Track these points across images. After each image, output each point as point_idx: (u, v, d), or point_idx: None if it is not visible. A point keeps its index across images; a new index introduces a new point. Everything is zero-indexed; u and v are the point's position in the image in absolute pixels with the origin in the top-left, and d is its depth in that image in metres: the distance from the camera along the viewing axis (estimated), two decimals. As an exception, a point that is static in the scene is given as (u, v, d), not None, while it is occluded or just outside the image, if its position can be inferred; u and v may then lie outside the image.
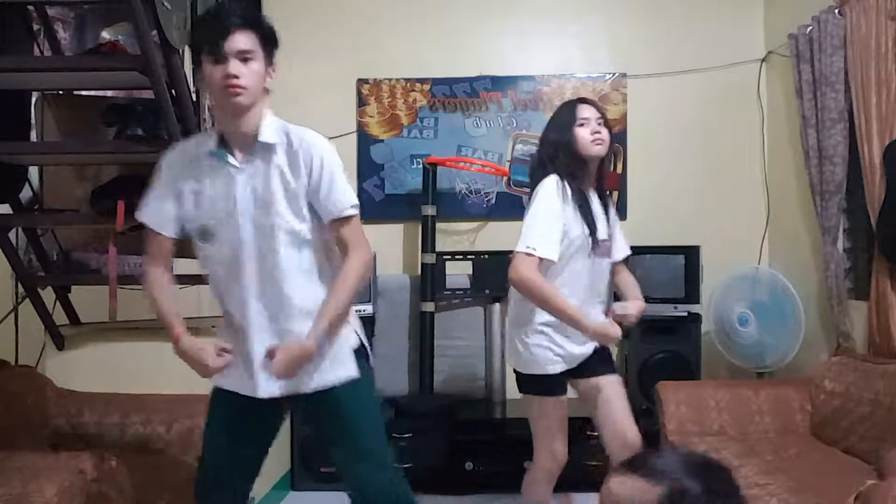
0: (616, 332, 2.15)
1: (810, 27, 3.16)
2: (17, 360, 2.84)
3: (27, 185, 2.80)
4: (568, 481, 3.33)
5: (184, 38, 2.29)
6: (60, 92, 2.79)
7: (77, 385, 2.78)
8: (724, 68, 3.88)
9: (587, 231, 2.18)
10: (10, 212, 2.74)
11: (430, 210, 3.67)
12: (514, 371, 2.35)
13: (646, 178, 3.93)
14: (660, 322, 3.53)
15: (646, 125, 3.94)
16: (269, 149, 1.78)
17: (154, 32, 2.15)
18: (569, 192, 2.18)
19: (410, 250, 3.96)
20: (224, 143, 1.79)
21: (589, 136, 2.21)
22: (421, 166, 3.78)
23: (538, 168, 2.28)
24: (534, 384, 2.28)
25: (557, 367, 2.25)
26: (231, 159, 1.78)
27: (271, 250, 1.78)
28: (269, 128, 1.78)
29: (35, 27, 2.71)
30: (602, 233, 2.24)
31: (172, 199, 1.82)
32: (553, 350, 2.24)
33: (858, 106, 2.81)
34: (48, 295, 2.86)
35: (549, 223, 2.13)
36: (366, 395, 1.95)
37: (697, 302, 3.53)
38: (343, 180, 1.82)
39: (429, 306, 3.61)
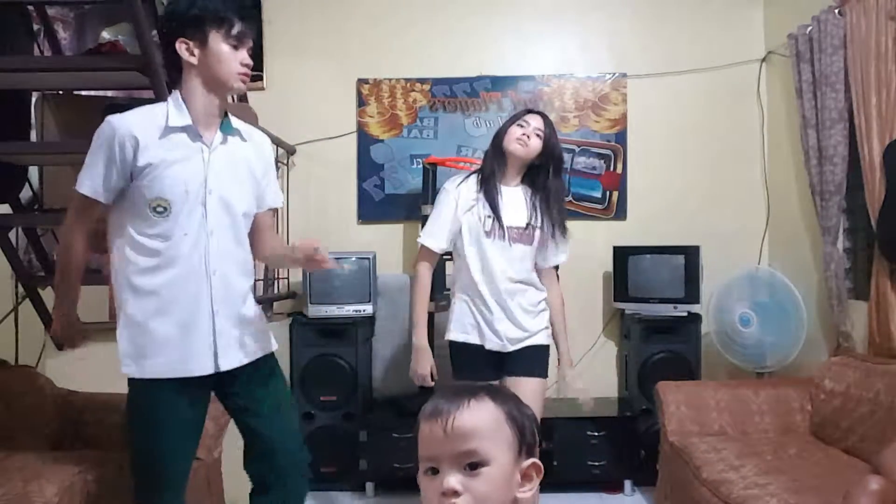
0: (424, 368, 2.42)
1: (810, 27, 3.16)
2: (17, 360, 2.84)
3: (27, 185, 2.80)
4: (568, 481, 3.35)
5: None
6: (60, 92, 2.79)
7: (77, 385, 2.77)
8: (724, 68, 3.88)
9: (489, 216, 2.38)
10: (10, 212, 2.74)
11: (430, 210, 3.65)
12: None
13: (645, 178, 3.93)
14: (660, 322, 3.53)
15: (646, 125, 3.94)
16: (234, 133, 1.88)
17: (154, 32, 2.15)
18: (473, 183, 2.43)
19: (410, 250, 3.96)
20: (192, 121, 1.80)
21: (517, 134, 2.38)
22: (421, 166, 3.78)
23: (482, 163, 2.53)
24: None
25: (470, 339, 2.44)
26: (205, 138, 1.82)
27: (232, 226, 1.86)
28: (234, 119, 1.91)
29: (35, 27, 2.72)
30: (508, 220, 2.39)
31: (121, 173, 1.76)
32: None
33: (858, 106, 2.81)
34: (48, 295, 2.86)
35: (436, 218, 2.44)
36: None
37: (697, 302, 3.53)
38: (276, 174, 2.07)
39: (429, 306, 3.60)
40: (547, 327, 2.49)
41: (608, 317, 3.92)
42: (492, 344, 2.41)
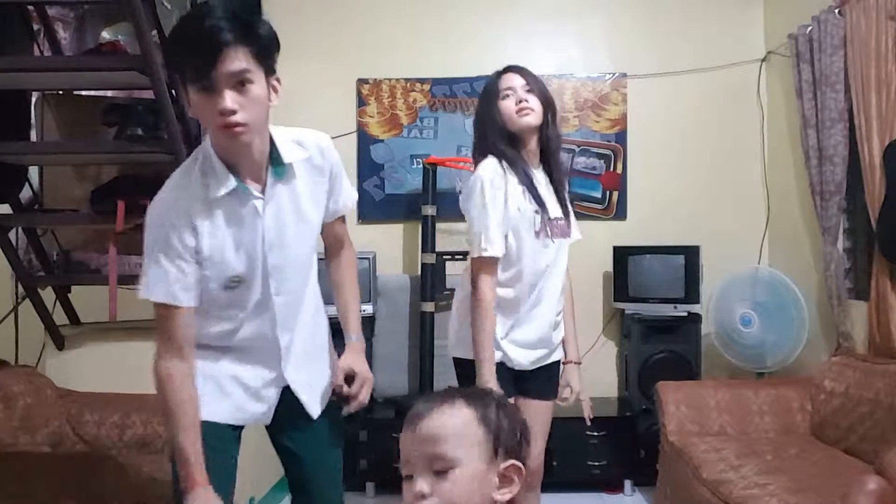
0: None
1: (810, 27, 3.16)
2: (17, 360, 2.84)
3: (27, 184, 2.80)
4: (568, 481, 3.35)
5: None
6: (60, 92, 2.80)
7: (77, 385, 2.77)
8: (724, 68, 3.88)
9: (535, 209, 1.97)
10: (11, 212, 2.74)
11: (430, 210, 3.67)
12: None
13: (646, 177, 3.93)
14: (660, 322, 3.53)
15: (646, 125, 3.93)
16: (286, 173, 1.52)
17: (154, 32, 2.15)
18: (506, 171, 1.97)
19: (410, 250, 3.96)
20: (236, 175, 1.46)
21: (513, 106, 1.98)
22: (421, 166, 3.78)
23: (474, 151, 2.13)
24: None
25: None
26: (254, 191, 1.48)
27: (294, 276, 1.61)
28: (284, 146, 1.51)
29: (35, 27, 2.71)
30: (553, 211, 2.03)
31: (186, 261, 1.45)
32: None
33: (858, 106, 2.81)
34: (48, 295, 2.86)
35: (491, 215, 1.94)
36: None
37: (697, 302, 3.53)
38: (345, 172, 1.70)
39: (429, 306, 3.60)
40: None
41: (608, 317, 3.92)
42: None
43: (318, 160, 1.58)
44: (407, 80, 3.96)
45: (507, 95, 2.01)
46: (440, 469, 0.93)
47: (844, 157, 3.00)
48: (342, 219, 1.74)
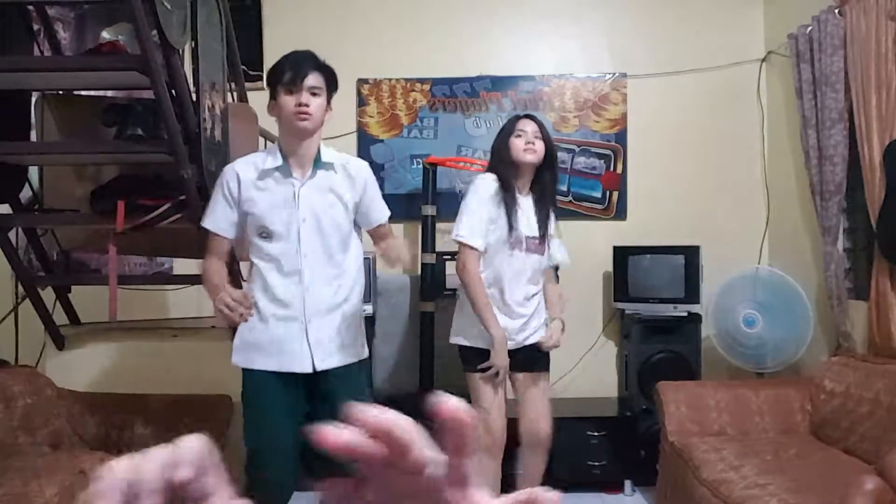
0: (505, 360, 2.41)
1: (810, 27, 3.16)
2: (17, 360, 2.84)
3: (27, 185, 2.79)
4: (568, 481, 3.34)
5: (183, 38, 2.30)
6: (60, 92, 2.79)
7: (77, 385, 2.78)
8: (724, 68, 3.88)
9: (508, 226, 2.44)
10: (10, 212, 2.74)
11: (430, 210, 3.67)
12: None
13: (645, 178, 3.93)
14: (660, 322, 3.53)
15: (646, 125, 3.93)
16: (327, 167, 2.17)
17: (154, 32, 2.15)
18: (500, 190, 2.46)
19: (410, 250, 3.96)
20: (286, 161, 2.13)
21: (522, 145, 2.47)
22: (421, 166, 3.78)
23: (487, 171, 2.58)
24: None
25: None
26: (296, 174, 2.14)
27: (323, 247, 2.15)
28: (326, 153, 2.19)
29: (35, 27, 2.71)
30: (525, 230, 2.48)
31: (234, 207, 2.13)
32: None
33: (858, 106, 2.81)
34: (48, 295, 2.86)
35: (476, 215, 2.44)
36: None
37: (697, 302, 3.53)
38: (380, 194, 2.34)
39: (429, 306, 3.60)
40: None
41: (608, 317, 3.92)
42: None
43: (353, 171, 2.23)
44: (407, 80, 3.96)
45: (520, 135, 2.49)
46: None
47: (844, 157, 3.00)
48: (380, 226, 2.32)
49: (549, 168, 2.53)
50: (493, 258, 2.47)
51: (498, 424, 2.51)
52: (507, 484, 2.56)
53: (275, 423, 2.12)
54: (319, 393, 2.17)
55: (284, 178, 2.13)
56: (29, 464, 2.23)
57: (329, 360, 2.15)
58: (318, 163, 2.16)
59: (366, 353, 2.32)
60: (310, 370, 2.13)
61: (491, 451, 2.50)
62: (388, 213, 2.35)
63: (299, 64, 2.10)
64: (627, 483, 3.40)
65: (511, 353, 2.46)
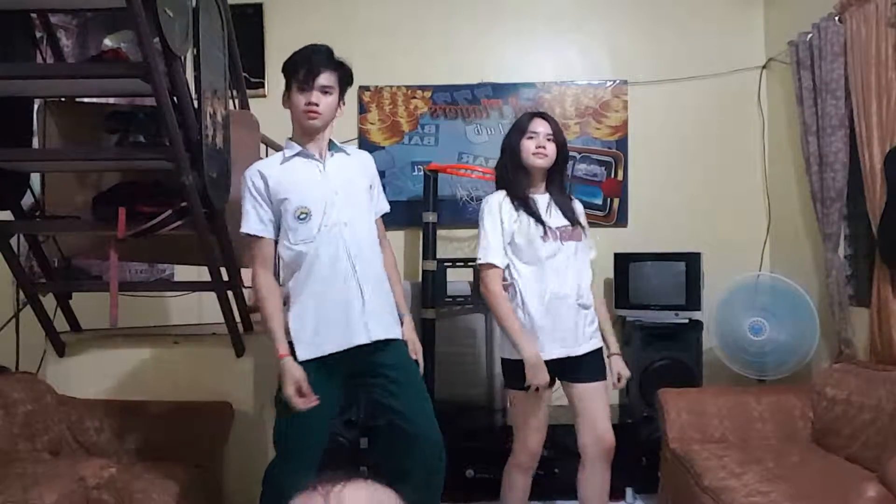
0: (544, 378, 2.33)
1: (810, 34, 3.17)
2: (17, 367, 2.84)
3: (29, 191, 2.80)
4: (570, 488, 3.33)
5: (185, 45, 2.31)
6: (63, 99, 2.80)
7: (77, 392, 2.77)
8: (725, 75, 3.89)
9: (534, 220, 2.40)
10: (12, 218, 2.74)
11: (431, 217, 3.67)
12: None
13: (646, 184, 3.93)
14: (661, 329, 3.52)
15: (646, 132, 3.94)
16: (341, 151, 2.26)
17: (156, 40, 2.15)
18: (507, 201, 2.44)
19: (411, 257, 3.96)
20: (304, 147, 2.19)
21: (533, 148, 2.42)
22: (422, 173, 3.79)
23: (496, 174, 2.57)
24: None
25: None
26: (317, 156, 2.21)
27: (360, 218, 2.21)
28: (338, 144, 2.28)
29: (38, 34, 2.72)
30: (554, 221, 2.44)
31: (266, 203, 2.16)
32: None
33: (859, 113, 2.82)
34: (49, 301, 2.86)
35: (491, 235, 2.42)
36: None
37: (699, 309, 3.52)
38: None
39: (430, 313, 3.60)
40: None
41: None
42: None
43: (364, 158, 2.36)
44: (408, 87, 3.97)
45: (532, 137, 2.44)
46: None
47: (845, 163, 3.00)
48: (380, 219, 2.36)
49: (560, 171, 2.51)
50: (528, 251, 2.40)
51: (535, 440, 2.47)
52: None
53: (322, 419, 2.15)
54: (373, 366, 2.18)
55: (308, 160, 2.20)
56: (29, 471, 2.23)
57: (391, 330, 2.21)
58: (332, 147, 2.26)
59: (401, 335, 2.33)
60: (369, 340, 2.15)
61: (522, 466, 2.50)
62: (388, 206, 2.41)
63: (312, 62, 2.11)
64: (629, 490, 3.39)
65: (562, 361, 2.38)
